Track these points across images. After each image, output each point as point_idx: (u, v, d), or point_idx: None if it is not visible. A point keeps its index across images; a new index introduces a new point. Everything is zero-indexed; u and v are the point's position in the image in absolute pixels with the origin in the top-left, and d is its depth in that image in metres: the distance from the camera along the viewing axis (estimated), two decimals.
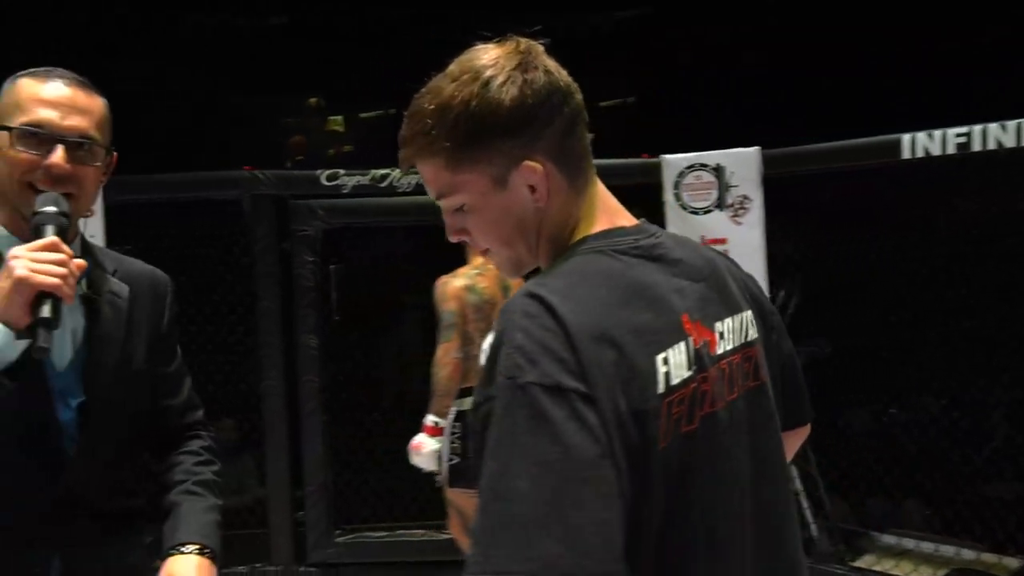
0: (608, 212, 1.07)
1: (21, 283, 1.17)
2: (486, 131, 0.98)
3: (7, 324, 1.18)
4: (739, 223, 3.95)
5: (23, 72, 1.36)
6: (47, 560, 1.33)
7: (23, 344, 1.20)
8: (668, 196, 4.03)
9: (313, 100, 6.90)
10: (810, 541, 3.83)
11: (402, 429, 3.54)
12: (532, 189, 1.01)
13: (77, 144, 1.32)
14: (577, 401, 0.85)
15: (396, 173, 4.05)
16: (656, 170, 4.05)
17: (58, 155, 1.30)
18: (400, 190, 4.06)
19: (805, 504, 3.83)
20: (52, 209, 1.28)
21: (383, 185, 4.07)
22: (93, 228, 3.72)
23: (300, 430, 4.16)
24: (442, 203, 1.05)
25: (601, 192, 1.08)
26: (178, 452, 1.53)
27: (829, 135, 3.83)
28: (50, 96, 1.32)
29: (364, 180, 4.07)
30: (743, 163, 3.94)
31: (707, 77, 6.18)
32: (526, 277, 1.08)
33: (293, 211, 4.12)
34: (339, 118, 7.12)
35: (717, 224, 3.97)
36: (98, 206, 3.86)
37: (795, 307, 4.00)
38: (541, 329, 0.88)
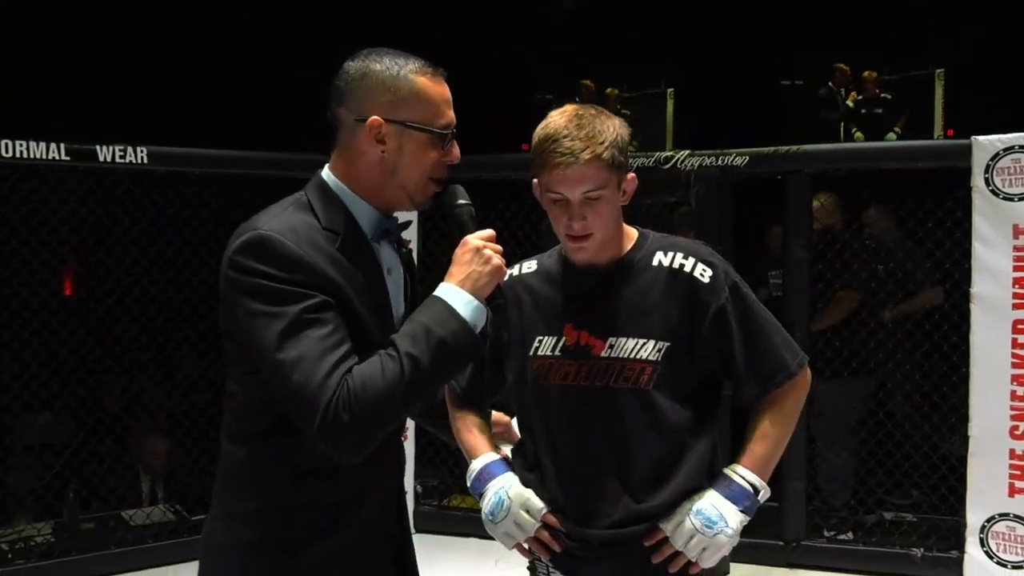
0: None
1: (499, 271, 1.41)
2: (625, 152, 1.60)
3: (476, 298, 1.39)
4: None
5: (409, 68, 1.43)
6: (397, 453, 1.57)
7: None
8: (978, 181, 3.69)
9: (588, 82, 6.92)
10: None
11: None
12: (625, 193, 1.61)
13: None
14: None
15: (681, 154, 4.10)
16: (964, 153, 3.75)
17: (457, 150, 1.48)
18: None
19: None
20: (466, 201, 1.49)
21: (666, 167, 4.13)
22: None
23: None
24: (585, 195, 1.54)
25: None
26: None
27: None
28: (448, 96, 1.47)
29: (647, 162, 4.15)
30: None
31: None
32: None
33: None
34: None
35: None
36: None
37: None
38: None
